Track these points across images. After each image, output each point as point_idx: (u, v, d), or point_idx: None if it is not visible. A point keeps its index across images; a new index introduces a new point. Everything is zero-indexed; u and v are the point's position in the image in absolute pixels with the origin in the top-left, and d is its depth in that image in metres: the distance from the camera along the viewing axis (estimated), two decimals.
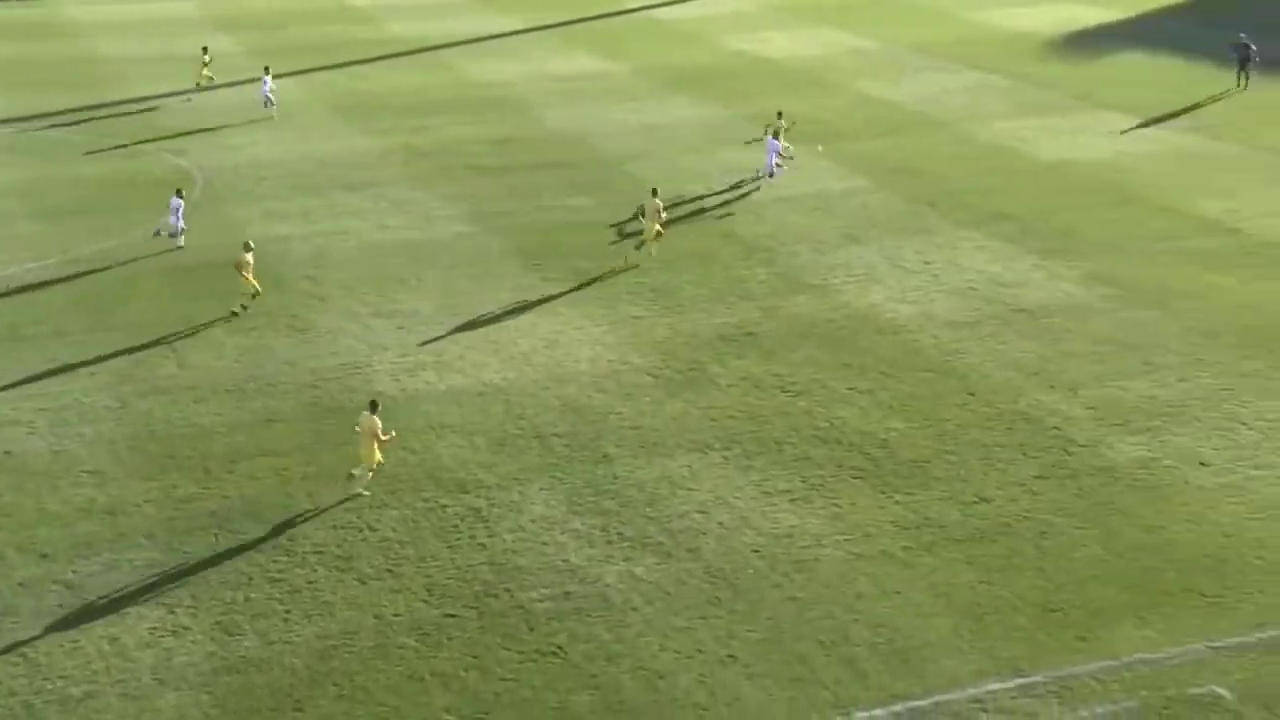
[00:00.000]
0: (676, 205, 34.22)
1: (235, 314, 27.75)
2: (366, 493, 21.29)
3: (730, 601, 18.74)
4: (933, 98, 43.70)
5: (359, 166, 37.13)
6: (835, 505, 20.88)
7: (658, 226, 30.18)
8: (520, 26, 56.53)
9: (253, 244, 29.15)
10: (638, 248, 30.73)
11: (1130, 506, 20.55)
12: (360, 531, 20.43)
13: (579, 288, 29.24)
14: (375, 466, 21.41)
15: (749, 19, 57.04)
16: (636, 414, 23.65)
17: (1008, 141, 38.65)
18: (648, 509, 20.93)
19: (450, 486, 21.65)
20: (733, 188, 35.45)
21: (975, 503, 20.83)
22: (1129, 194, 33.77)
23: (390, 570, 19.51)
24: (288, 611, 18.62)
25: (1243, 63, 42.91)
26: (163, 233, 31.85)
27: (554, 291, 29.03)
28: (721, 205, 34.25)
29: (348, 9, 60.85)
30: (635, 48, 52.00)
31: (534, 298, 28.76)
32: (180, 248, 31.26)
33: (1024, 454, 22.16)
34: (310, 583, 19.20)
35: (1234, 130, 38.36)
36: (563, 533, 20.34)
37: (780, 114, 37.81)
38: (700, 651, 17.83)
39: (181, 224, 31.34)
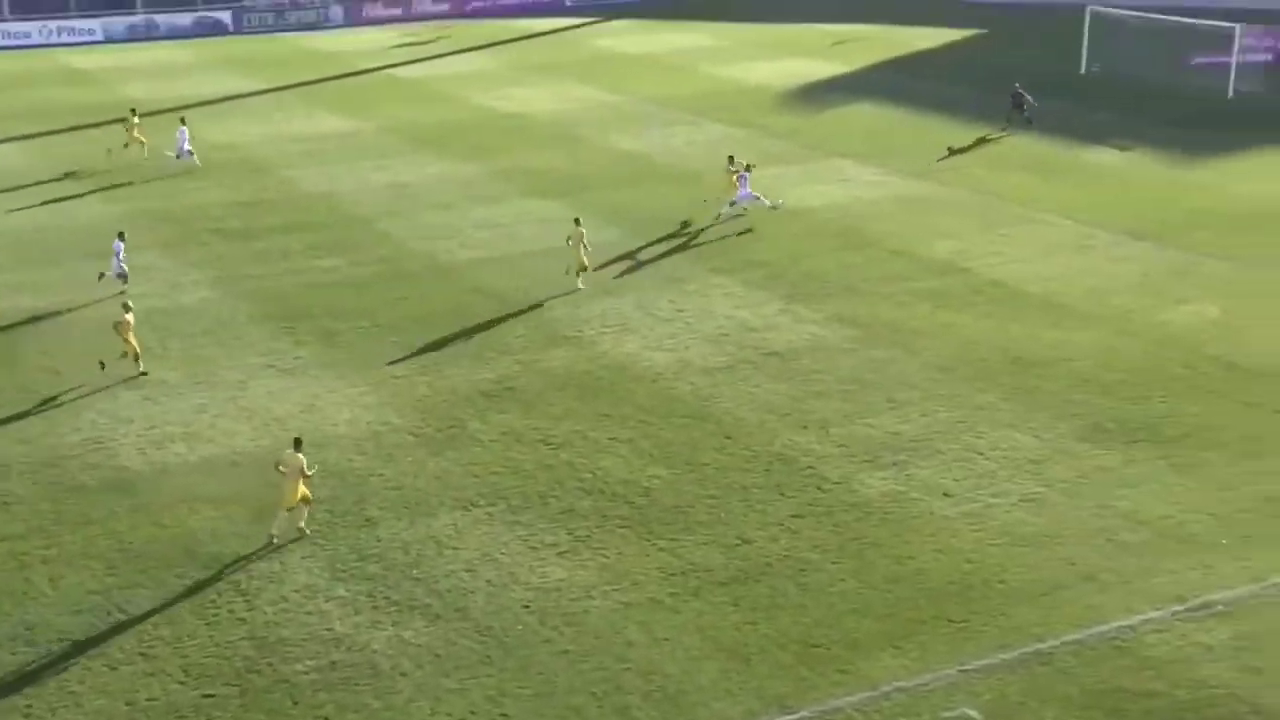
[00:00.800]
0: (431, 262, 33.99)
1: (104, 365, 26.76)
2: (310, 530, 21.25)
3: (501, 660, 18.57)
4: (678, 150, 44.73)
5: (96, 234, 35.58)
6: (602, 555, 20.97)
7: (583, 256, 31.22)
8: (259, 87, 55.38)
9: (131, 304, 27.96)
10: (568, 272, 31.56)
11: (882, 539, 21.30)
12: (109, 614, 19.44)
13: (334, 349, 28.67)
14: (304, 504, 21.20)
15: (494, 76, 57.34)
16: (398, 475, 23.28)
17: (752, 190, 39.77)
18: (414, 571, 20.59)
19: (206, 561, 20.84)
20: (489, 244, 35.43)
21: (737, 545, 21.25)
22: (866, 238, 35.20)
23: (143, 653, 18.61)
24: (29, 706, 17.53)
25: (1016, 108, 45.39)
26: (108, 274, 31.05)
27: (307, 354, 28.38)
28: (476, 261, 34.17)
29: (74, 73, 58.45)
30: (380, 106, 51.57)
31: (287, 362, 28.06)
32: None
33: (781, 494, 22.72)
34: (55, 674, 18.14)
35: (956, 175, 40.50)
36: (327, 600, 19.81)
37: (731, 158, 37.80)
38: (473, 713, 17.59)
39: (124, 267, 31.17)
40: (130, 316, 27.48)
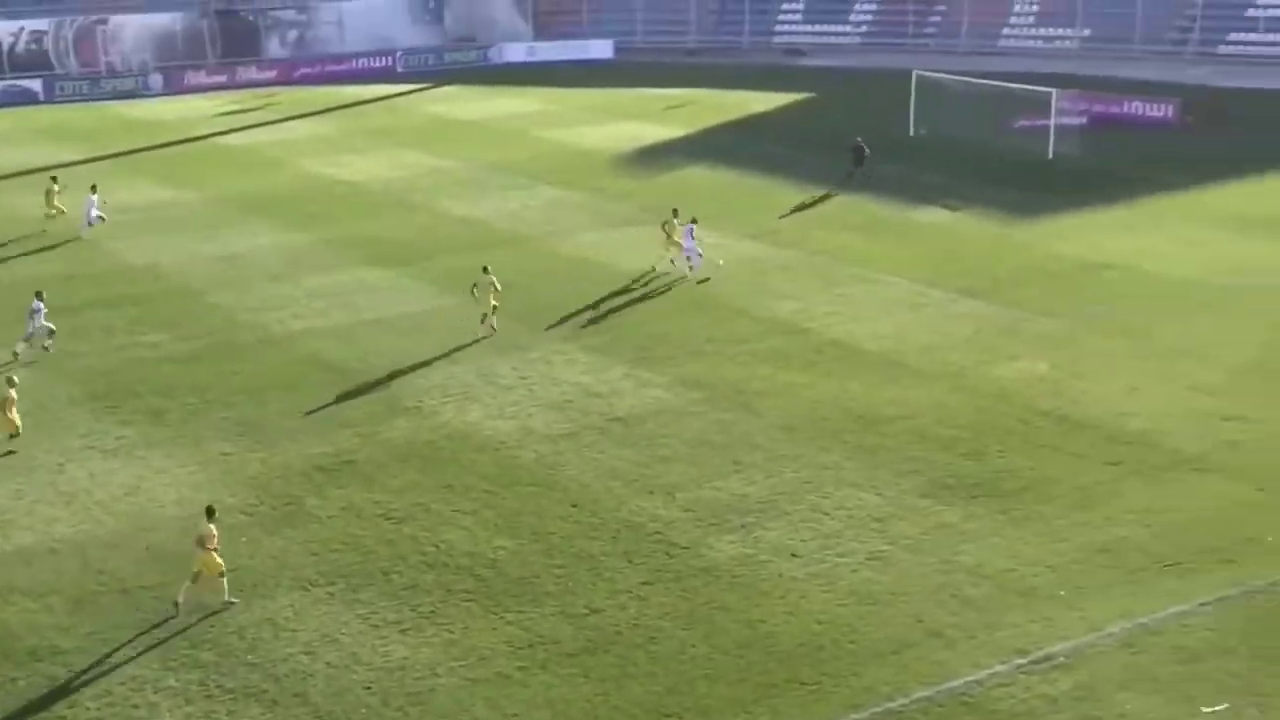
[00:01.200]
0: (264, 334, 33.25)
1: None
2: (235, 600, 20.99)
3: None
4: (515, 214, 44.74)
5: None
6: (448, 631, 20.56)
7: (493, 300, 32.41)
8: (76, 157, 53.82)
9: (16, 379, 26.85)
10: (483, 320, 32.64)
11: (732, 603, 21.33)
12: None
13: (160, 428, 27.74)
14: (219, 575, 21.01)
15: (325, 143, 56.75)
16: (232, 556, 22.53)
17: (592, 255, 39.99)
18: (249, 656, 19.89)
19: (22, 657, 19.82)
20: (323, 314, 34.85)
21: (586, 615, 21.05)
22: (708, 299, 35.57)
23: None
24: None
25: (857, 162, 46.95)
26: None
27: (133, 434, 27.41)
28: (310, 331, 33.55)
29: None
30: (206, 175, 50.55)
31: (109, 442, 27.05)
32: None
33: (630, 561, 22.62)
34: None
35: (794, 237, 41.29)
36: (155, 692, 18.99)
37: (675, 211, 37.80)
38: None
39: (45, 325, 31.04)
40: (14, 392, 26.76)
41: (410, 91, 69.86)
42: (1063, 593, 21.37)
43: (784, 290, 36.27)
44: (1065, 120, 52.08)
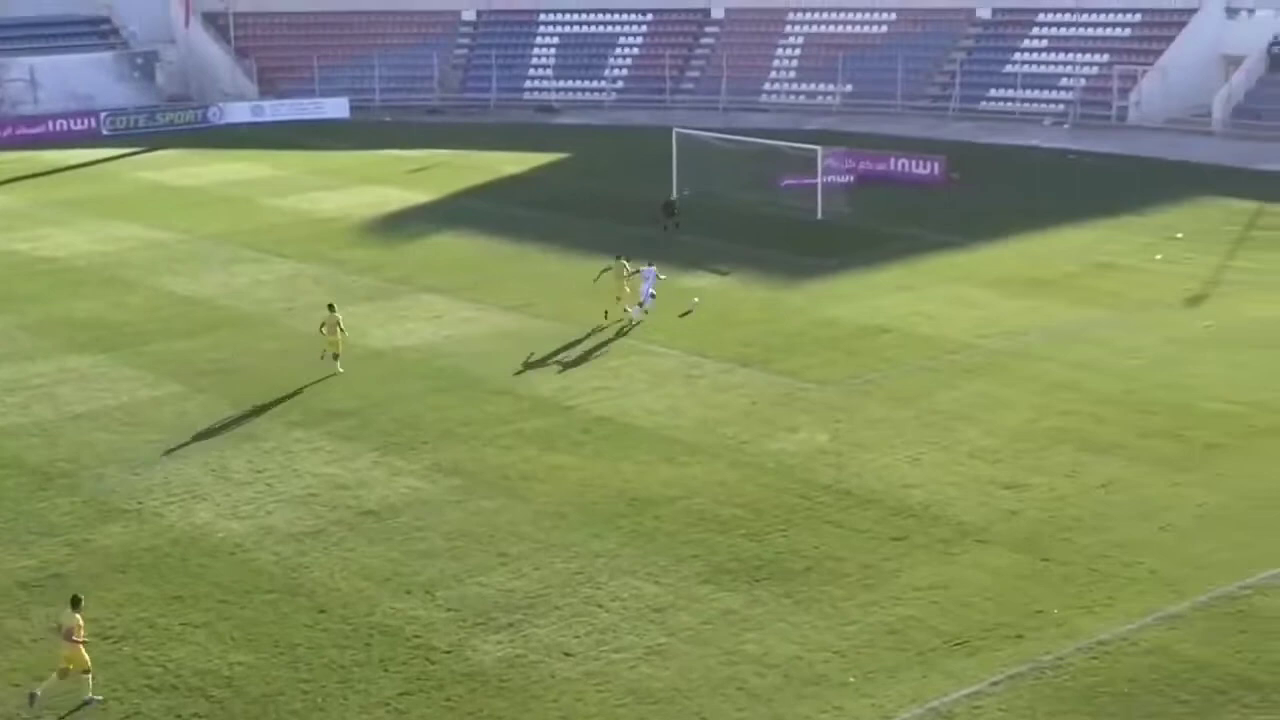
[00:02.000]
0: None
1: None
2: (99, 698, 20.78)
3: None
4: (244, 290, 43.67)
5: None
6: None
7: (338, 340, 35.14)
8: None
9: None
10: (321, 357, 34.99)
11: (501, 711, 20.98)
12: None
13: None
14: (85, 670, 20.85)
15: (21, 215, 54.51)
16: None
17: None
18: None
19: None
20: (21, 409, 33.20)
21: None
22: (463, 378, 35.31)
23: None
24: None
25: (668, 215, 48.74)
26: None
27: None
28: (5, 429, 31.89)
29: None
30: None
31: None
32: None
33: (385, 670, 22.05)
34: None
35: (554, 307, 41.44)
36: None
37: (622, 259, 39.14)
38: None
39: None
40: None
41: (118, 156, 67.78)
42: (852, 679, 21.77)
43: (547, 365, 36.26)
44: (832, 178, 54.02)
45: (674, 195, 49.42)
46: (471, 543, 26.33)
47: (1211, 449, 29.93)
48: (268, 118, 76.45)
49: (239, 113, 76.63)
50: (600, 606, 24.00)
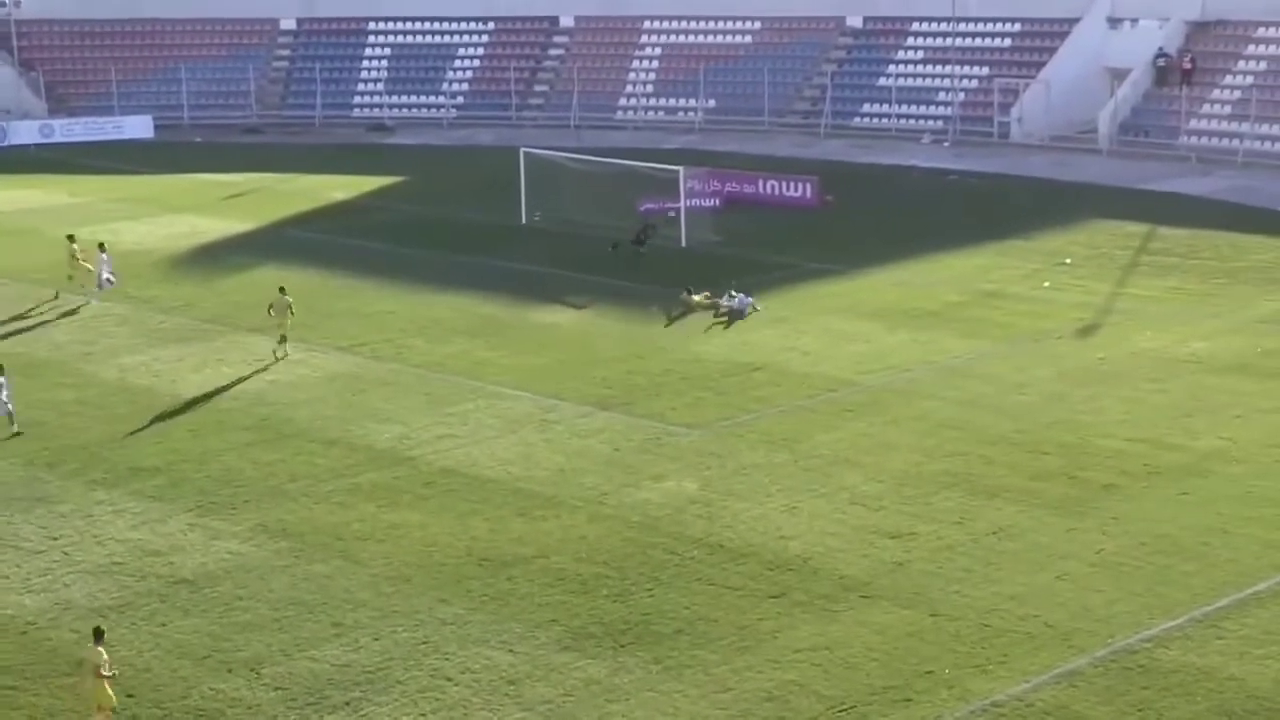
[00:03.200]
0: None
1: None
2: None
3: None
4: (35, 335, 42.68)
5: None
6: None
7: (287, 323, 39.39)
8: None
9: None
10: (279, 343, 38.80)
11: None
12: None
13: None
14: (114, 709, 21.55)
15: None
16: None
17: (141, 379, 38.61)
18: None
19: None
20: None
21: None
22: (289, 428, 34.92)
23: None
24: None
25: (639, 240, 49.75)
26: None
27: None
28: None
29: None
30: None
31: None
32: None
33: None
34: None
35: (392, 347, 41.22)
36: None
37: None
38: None
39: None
40: None
41: None
42: None
43: (383, 412, 36.07)
44: (696, 202, 54.59)
45: (648, 223, 50.90)
46: (302, 612, 25.99)
47: (1108, 490, 30.75)
48: (59, 138, 74.94)
49: (25, 132, 74.96)
50: (449, 680, 23.84)
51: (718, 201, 56.48)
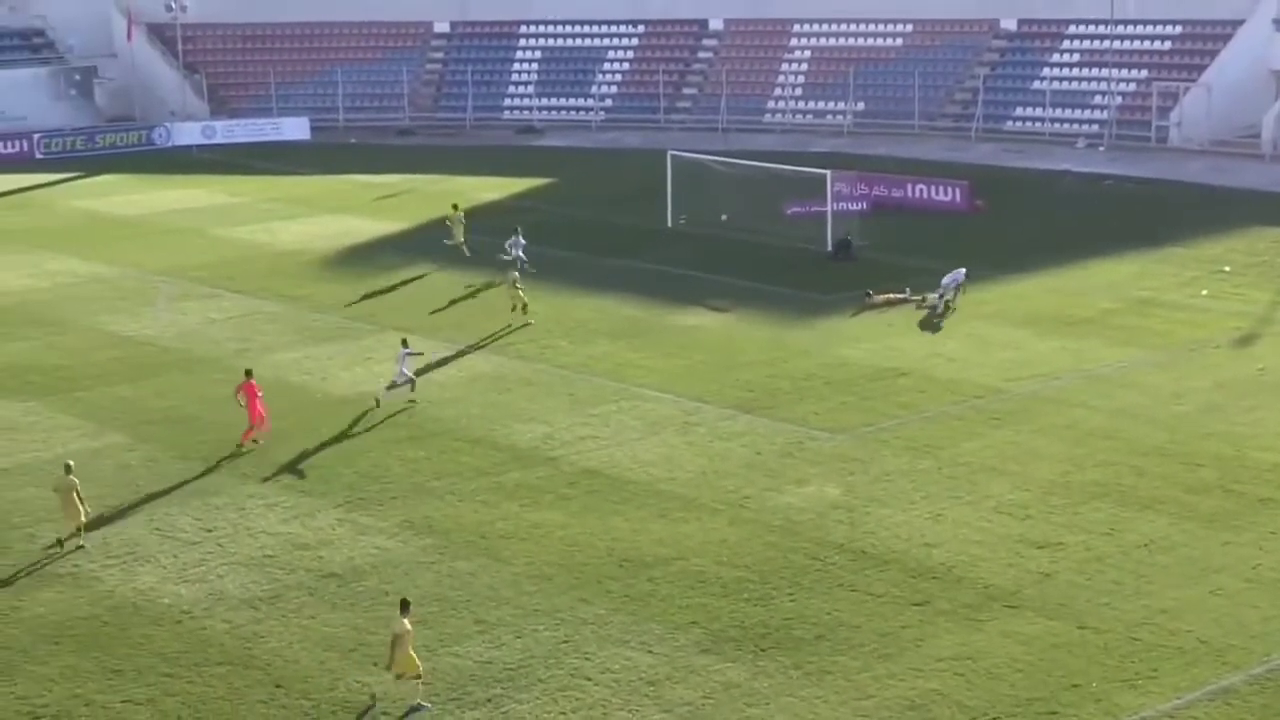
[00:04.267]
0: None
1: None
2: (428, 705, 22.69)
3: None
4: (195, 330, 43.73)
5: None
6: None
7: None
8: None
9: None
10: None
11: None
12: None
13: None
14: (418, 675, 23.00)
15: None
16: None
17: (293, 375, 39.35)
18: None
19: None
20: None
21: None
22: (435, 426, 35.35)
23: None
24: None
25: (842, 252, 50.25)
26: None
27: None
28: None
29: None
30: None
31: None
32: None
33: None
34: None
35: (536, 348, 41.57)
36: None
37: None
38: None
39: None
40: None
41: (54, 182, 67.96)
42: None
43: (526, 412, 36.36)
44: (843, 205, 54.30)
45: (848, 235, 51.38)
46: (445, 608, 26.29)
47: (1265, 504, 30.02)
48: (220, 139, 76.74)
49: (188, 134, 76.90)
50: (588, 679, 23.96)
51: (865, 205, 56.08)
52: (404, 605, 23.45)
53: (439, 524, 29.86)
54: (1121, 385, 37.38)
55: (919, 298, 44.75)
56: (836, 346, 41.14)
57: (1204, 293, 45.79)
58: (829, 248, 51.43)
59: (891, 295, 44.87)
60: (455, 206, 51.72)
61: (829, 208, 52.90)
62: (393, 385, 36.55)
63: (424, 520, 30.02)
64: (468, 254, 50.23)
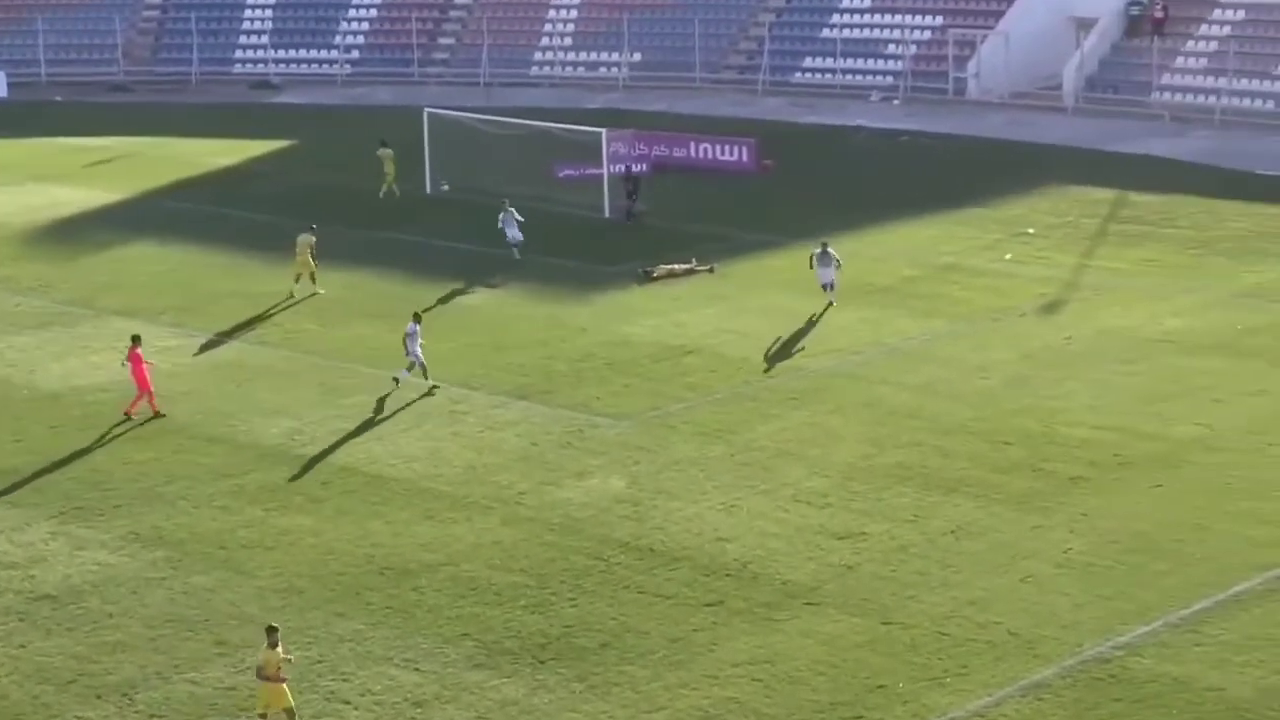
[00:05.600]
0: None
1: None
2: None
3: None
4: None
5: None
6: None
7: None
8: None
9: None
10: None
11: None
12: None
13: None
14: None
15: None
16: None
17: None
18: None
19: None
20: None
21: None
22: (165, 423, 34.74)
23: None
24: None
25: (630, 195, 50.57)
26: None
27: None
28: None
29: None
30: None
31: None
32: None
33: None
34: None
35: (281, 331, 41.03)
36: None
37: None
38: None
39: None
40: None
41: None
42: None
43: (272, 404, 35.91)
44: (621, 168, 54.60)
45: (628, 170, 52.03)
46: (181, 630, 25.87)
47: (1076, 483, 31.07)
48: None
49: None
50: (347, 703, 23.79)
51: (645, 167, 56.48)
52: (271, 632, 22.85)
53: (171, 535, 29.33)
54: (924, 359, 38.35)
55: (707, 267, 45.27)
56: (618, 324, 41.40)
57: (1007, 257, 47.19)
58: (607, 214, 51.64)
59: (675, 266, 45.23)
60: (384, 143, 54.44)
61: (605, 170, 53.13)
62: (411, 366, 36.42)
63: (153, 531, 29.47)
64: (397, 194, 53.79)
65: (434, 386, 36.22)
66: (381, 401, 35.88)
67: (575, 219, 51.22)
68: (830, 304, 41.39)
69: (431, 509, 30.35)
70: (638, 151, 57.32)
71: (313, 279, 43.73)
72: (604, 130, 54.24)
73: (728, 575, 27.59)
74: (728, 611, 26.37)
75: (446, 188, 55.08)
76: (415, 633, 25.78)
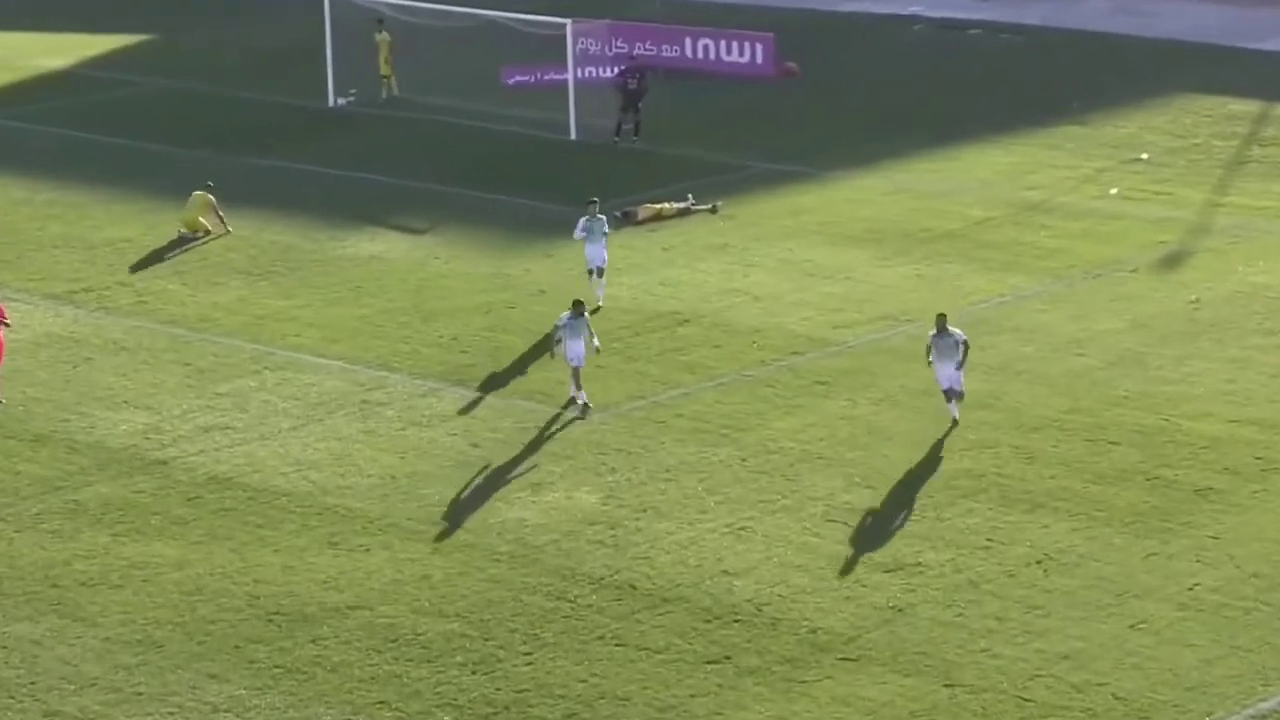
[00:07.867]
0: None
1: None
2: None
3: None
4: None
5: None
6: None
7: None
8: None
9: None
10: None
11: None
12: None
13: None
14: None
15: None
16: None
17: None
18: None
19: None
20: None
21: None
22: None
23: None
24: None
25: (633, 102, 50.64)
26: None
27: None
28: None
29: None
30: None
31: None
32: None
33: None
34: None
35: (134, 294, 40.99)
36: None
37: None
38: None
39: None
40: None
41: None
42: None
43: (121, 391, 35.99)
44: (592, 71, 54.46)
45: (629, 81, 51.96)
46: None
47: (1204, 497, 31.06)
48: None
49: None
50: None
51: (619, 73, 56.30)
52: None
53: None
54: (1000, 329, 38.33)
55: (707, 207, 45.15)
56: (586, 281, 41.34)
57: (1113, 192, 47.21)
58: (573, 135, 51.56)
59: (666, 206, 45.08)
60: (380, 21, 56.06)
61: (570, 76, 52.94)
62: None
63: None
64: (396, 91, 56.15)
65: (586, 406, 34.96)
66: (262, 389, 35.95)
67: (530, 142, 51.14)
68: (954, 421, 33.78)
69: (337, 533, 30.35)
70: (614, 50, 56.96)
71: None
72: (569, 21, 53.96)
73: (736, 621, 27.59)
74: (736, 671, 26.37)
75: (353, 96, 54.92)
76: (315, 699, 25.75)
